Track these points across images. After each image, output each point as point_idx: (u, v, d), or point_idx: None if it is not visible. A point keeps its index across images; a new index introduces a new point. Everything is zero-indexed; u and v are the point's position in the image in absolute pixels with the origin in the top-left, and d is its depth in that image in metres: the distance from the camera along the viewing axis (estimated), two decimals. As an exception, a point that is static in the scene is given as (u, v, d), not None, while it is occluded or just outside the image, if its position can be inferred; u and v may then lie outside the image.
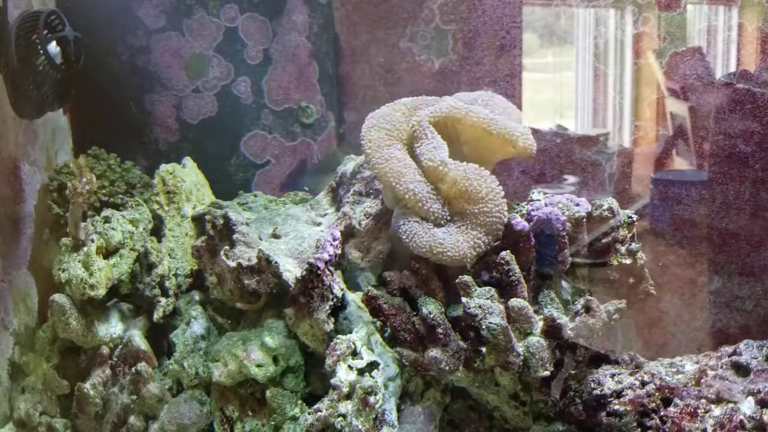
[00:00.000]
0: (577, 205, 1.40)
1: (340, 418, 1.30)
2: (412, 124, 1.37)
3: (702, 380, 1.29)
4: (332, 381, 1.33)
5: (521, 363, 1.27)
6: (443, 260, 1.29)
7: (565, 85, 2.00)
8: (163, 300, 1.63)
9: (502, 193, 1.32)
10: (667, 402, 1.25)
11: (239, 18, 1.97)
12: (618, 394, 1.27)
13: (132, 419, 1.54)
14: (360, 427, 1.28)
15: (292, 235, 1.58)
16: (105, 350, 1.60)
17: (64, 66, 1.57)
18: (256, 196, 1.82)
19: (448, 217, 1.34)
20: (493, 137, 1.36)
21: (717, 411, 1.21)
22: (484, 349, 1.28)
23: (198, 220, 1.73)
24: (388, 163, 1.34)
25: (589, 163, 1.92)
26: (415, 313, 1.31)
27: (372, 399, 1.29)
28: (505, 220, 1.31)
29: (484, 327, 1.25)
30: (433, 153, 1.33)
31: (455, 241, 1.29)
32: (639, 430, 1.23)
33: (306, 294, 1.42)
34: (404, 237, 1.32)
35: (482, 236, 1.30)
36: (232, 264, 1.50)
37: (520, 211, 1.44)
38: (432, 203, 1.32)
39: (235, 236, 1.54)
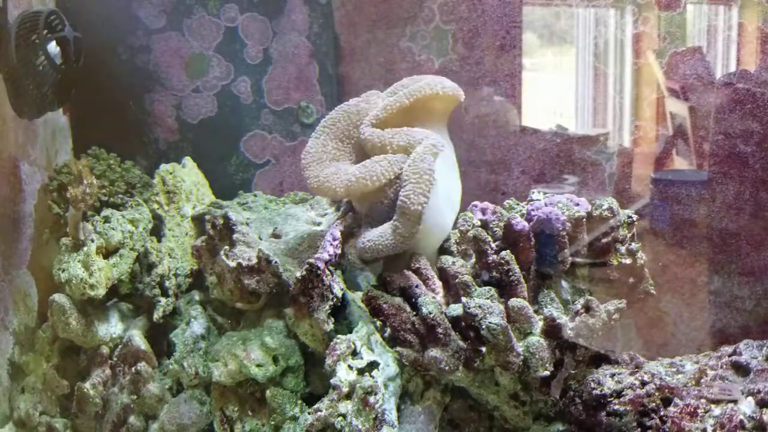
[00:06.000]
0: (577, 204, 1.40)
1: (340, 418, 1.30)
2: (364, 140, 1.42)
3: (702, 380, 1.29)
4: (332, 381, 1.33)
5: (521, 363, 1.27)
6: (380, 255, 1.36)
7: (565, 84, 2.00)
8: (163, 300, 1.63)
9: (419, 181, 1.31)
10: (667, 402, 1.25)
11: (239, 18, 1.97)
12: (618, 394, 1.27)
13: (132, 419, 1.54)
14: (360, 426, 1.28)
15: (292, 235, 1.58)
16: (105, 350, 1.60)
17: (64, 66, 1.57)
18: (256, 196, 1.82)
19: None
20: (413, 104, 1.41)
21: (717, 411, 1.21)
22: (484, 349, 1.28)
23: (198, 220, 1.73)
24: (328, 182, 1.40)
25: (589, 163, 1.92)
26: (415, 313, 1.31)
27: (372, 399, 1.29)
28: (415, 201, 1.30)
29: (484, 327, 1.25)
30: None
31: (380, 235, 1.34)
32: (639, 429, 1.23)
33: (306, 294, 1.42)
34: (362, 250, 1.37)
35: (400, 220, 1.31)
36: (232, 264, 1.50)
37: (520, 211, 1.44)
38: (377, 167, 1.35)
39: (235, 236, 1.54)
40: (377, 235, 1.33)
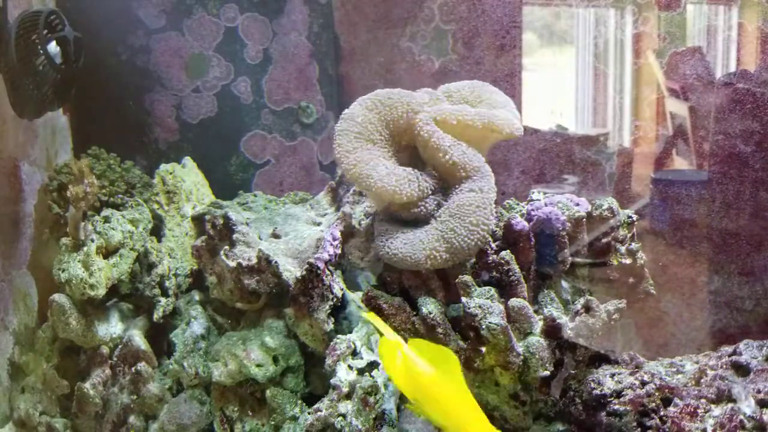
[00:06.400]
0: (577, 204, 1.40)
1: (340, 418, 1.30)
2: (414, 129, 1.35)
3: (702, 380, 1.29)
4: (332, 381, 1.33)
5: (521, 363, 1.27)
6: (403, 267, 1.29)
7: (565, 84, 2.00)
8: (163, 300, 1.63)
9: (485, 234, 1.27)
10: (667, 402, 1.25)
11: (239, 18, 1.97)
12: (618, 394, 1.27)
13: (132, 419, 1.54)
14: (360, 426, 1.28)
15: (292, 235, 1.58)
16: (105, 350, 1.60)
17: (64, 66, 1.57)
18: (256, 196, 1.82)
19: (440, 199, 1.32)
20: (478, 129, 1.34)
21: (717, 411, 1.21)
22: (484, 349, 1.28)
23: (198, 219, 1.73)
24: (356, 167, 1.31)
25: (589, 163, 1.92)
26: (415, 313, 1.31)
27: (372, 399, 1.29)
28: (471, 252, 1.27)
29: (484, 327, 1.25)
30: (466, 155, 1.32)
31: (412, 251, 1.27)
32: (639, 429, 1.23)
33: (306, 294, 1.42)
34: (379, 251, 1.32)
35: (442, 252, 1.26)
36: (232, 264, 1.50)
37: (520, 211, 1.44)
38: (406, 186, 1.29)
39: (235, 236, 1.54)
40: (409, 250, 1.27)
